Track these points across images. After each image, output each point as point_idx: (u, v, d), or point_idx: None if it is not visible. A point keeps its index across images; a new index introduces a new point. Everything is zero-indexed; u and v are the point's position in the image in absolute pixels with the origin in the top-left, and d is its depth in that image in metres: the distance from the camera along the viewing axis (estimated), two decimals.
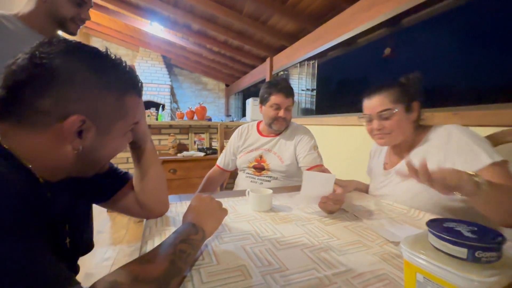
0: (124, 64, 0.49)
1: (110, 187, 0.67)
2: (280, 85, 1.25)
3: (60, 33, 1.00)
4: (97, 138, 0.46)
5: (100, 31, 4.82)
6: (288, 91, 1.25)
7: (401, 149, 0.92)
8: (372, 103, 0.88)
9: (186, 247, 0.46)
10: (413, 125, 0.88)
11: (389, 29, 1.85)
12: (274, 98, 1.24)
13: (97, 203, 0.67)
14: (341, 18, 2.08)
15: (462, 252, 0.34)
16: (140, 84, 0.53)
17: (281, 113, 1.24)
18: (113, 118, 0.47)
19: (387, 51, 1.99)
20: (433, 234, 0.38)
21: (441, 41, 1.87)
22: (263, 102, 1.31)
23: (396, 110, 0.84)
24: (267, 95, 1.27)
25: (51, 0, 0.91)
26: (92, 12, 3.94)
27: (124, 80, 0.49)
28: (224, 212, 0.65)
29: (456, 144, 0.76)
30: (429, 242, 0.39)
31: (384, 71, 2.44)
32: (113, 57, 0.48)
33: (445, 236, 0.36)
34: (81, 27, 1.00)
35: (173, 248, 0.44)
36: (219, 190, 1.56)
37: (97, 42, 5.35)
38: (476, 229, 0.38)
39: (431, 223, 0.40)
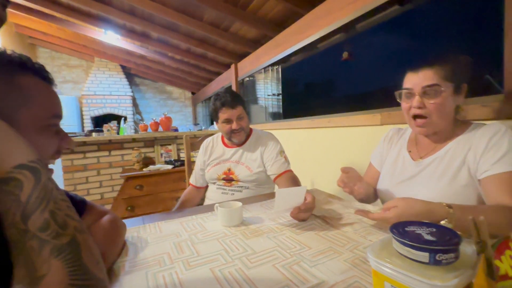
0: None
1: None
2: (222, 99, 1.20)
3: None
4: None
5: (48, 41, 4.43)
6: (232, 102, 1.20)
7: (435, 139, 0.82)
8: (418, 77, 0.75)
9: (41, 216, 0.32)
10: (455, 111, 0.78)
11: (346, 34, 1.95)
12: (222, 114, 1.21)
13: None
14: (300, 25, 2.14)
15: (424, 256, 0.35)
16: (37, 66, 0.45)
17: (234, 125, 1.21)
18: (8, 106, 0.40)
19: (345, 55, 2.10)
20: (396, 239, 0.38)
21: (393, 43, 2.02)
22: (215, 119, 1.28)
23: (445, 88, 0.72)
24: (215, 112, 1.25)
25: None
26: (37, 21, 3.64)
27: (8, 59, 0.42)
28: None
29: (498, 141, 0.69)
30: (394, 248, 0.39)
31: (344, 74, 2.57)
32: None
33: (407, 242, 0.36)
34: (6, 9, 0.86)
35: (33, 239, 0.31)
36: None
37: (44, 53, 4.91)
38: (434, 230, 0.39)
39: (394, 228, 0.40)
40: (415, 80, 0.76)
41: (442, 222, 0.59)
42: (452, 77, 0.73)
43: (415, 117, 0.78)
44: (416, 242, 0.35)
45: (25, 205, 0.31)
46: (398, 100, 0.84)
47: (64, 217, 0.33)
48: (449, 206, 0.60)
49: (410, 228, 0.40)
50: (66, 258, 0.31)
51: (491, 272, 0.30)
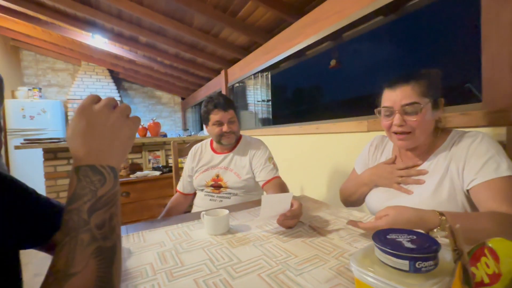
0: None
1: (46, 227, 0.51)
2: (215, 101, 1.22)
3: None
4: None
5: (32, 44, 4.30)
6: (224, 105, 1.21)
7: (418, 152, 0.83)
8: (396, 94, 0.76)
9: (103, 215, 0.34)
10: (434, 125, 0.79)
11: (333, 42, 1.99)
12: (213, 116, 1.22)
13: (30, 247, 0.52)
14: (289, 32, 2.18)
15: (404, 264, 0.35)
16: None
17: (225, 127, 1.22)
18: None
19: (333, 62, 2.14)
20: (378, 247, 0.38)
21: (379, 52, 2.09)
22: (205, 122, 1.28)
23: (424, 104, 0.73)
24: (206, 114, 1.25)
25: None
26: (21, 23, 3.54)
27: None
28: (135, 122, 0.43)
29: (477, 149, 0.71)
30: (376, 256, 0.39)
31: (332, 81, 2.62)
32: None
33: (388, 250, 0.36)
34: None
35: (88, 232, 0.33)
36: None
37: (28, 56, 4.76)
38: (415, 237, 0.39)
39: (376, 236, 0.41)
40: (393, 98, 0.77)
41: (435, 230, 0.60)
42: (429, 93, 0.74)
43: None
44: (397, 250, 0.36)
45: (98, 200, 0.34)
46: (378, 116, 0.84)
47: (115, 223, 0.36)
48: (441, 213, 0.60)
49: (391, 236, 0.40)
50: (102, 262, 0.33)
51: (468, 279, 0.31)
